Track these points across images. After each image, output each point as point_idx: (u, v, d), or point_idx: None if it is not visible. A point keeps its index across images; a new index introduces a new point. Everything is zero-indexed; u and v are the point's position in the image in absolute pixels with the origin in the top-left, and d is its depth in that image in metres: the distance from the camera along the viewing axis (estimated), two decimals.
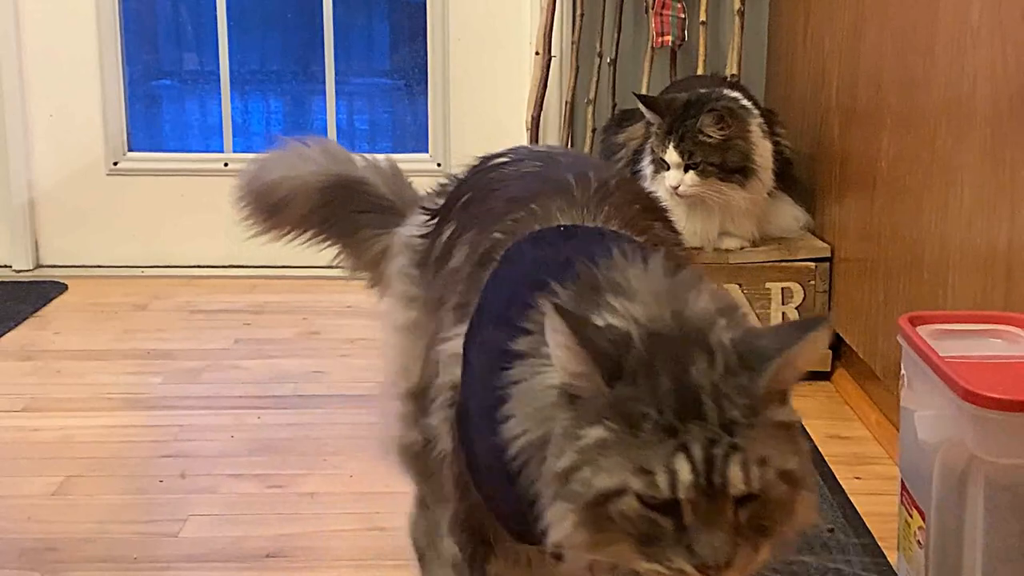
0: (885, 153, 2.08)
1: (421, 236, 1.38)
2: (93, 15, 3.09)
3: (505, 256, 1.13)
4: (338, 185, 1.56)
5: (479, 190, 1.32)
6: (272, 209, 1.61)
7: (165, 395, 2.30)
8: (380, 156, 1.63)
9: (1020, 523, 1.31)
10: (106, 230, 3.19)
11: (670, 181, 2.31)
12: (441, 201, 1.39)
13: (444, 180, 1.46)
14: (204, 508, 1.83)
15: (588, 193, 1.19)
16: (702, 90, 2.37)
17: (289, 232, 1.63)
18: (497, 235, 1.17)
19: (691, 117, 2.30)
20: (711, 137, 2.29)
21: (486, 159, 1.39)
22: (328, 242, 1.61)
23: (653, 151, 2.36)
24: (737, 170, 2.32)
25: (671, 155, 2.30)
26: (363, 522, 1.78)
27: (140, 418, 2.19)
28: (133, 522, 1.78)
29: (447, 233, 1.31)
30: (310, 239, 1.62)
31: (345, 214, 1.56)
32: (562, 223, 1.15)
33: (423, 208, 1.42)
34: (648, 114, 2.37)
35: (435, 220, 1.37)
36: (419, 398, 1.27)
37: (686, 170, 2.31)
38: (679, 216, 2.36)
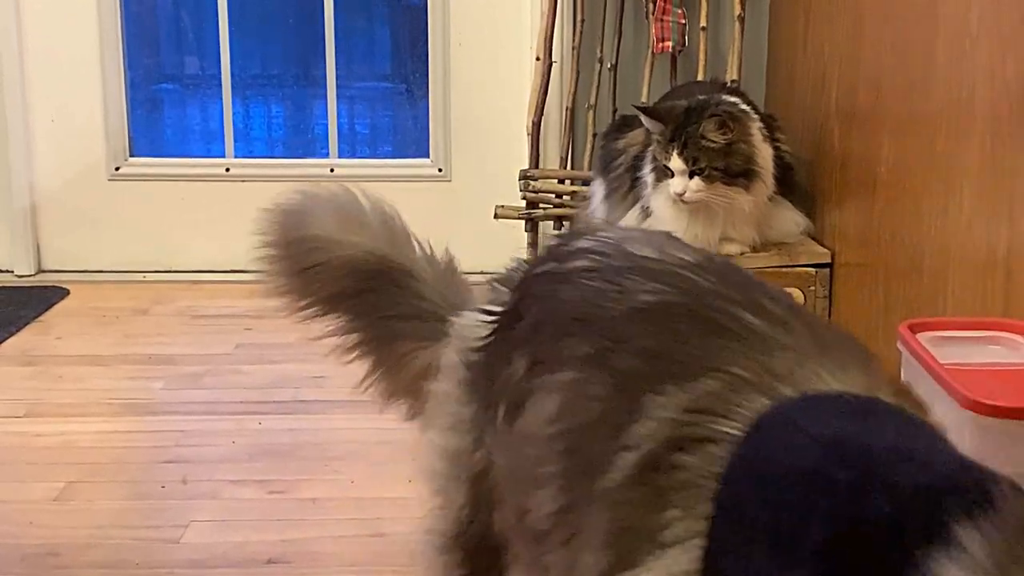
0: (885, 158, 2.08)
1: (479, 349, 1.10)
2: (95, 19, 3.10)
3: (761, 451, 0.76)
4: (382, 272, 1.27)
5: (560, 316, 0.99)
6: (297, 270, 1.30)
7: (166, 400, 2.31)
8: (438, 249, 1.33)
9: None
10: (108, 235, 3.19)
11: (675, 188, 2.31)
12: (506, 297, 1.11)
13: (512, 264, 1.17)
14: (205, 513, 1.83)
15: (806, 338, 0.86)
16: (701, 96, 2.38)
17: (309, 307, 1.32)
18: (688, 417, 0.81)
19: (692, 123, 2.30)
20: (714, 142, 2.29)
21: (556, 256, 1.06)
22: (355, 341, 1.31)
23: (655, 159, 2.36)
24: (741, 174, 2.32)
25: (675, 162, 2.30)
26: (365, 528, 1.79)
27: (141, 423, 2.20)
28: (134, 527, 1.79)
29: (519, 365, 1.00)
30: (335, 331, 1.32)
31: (381, 316, 1.27)
32: (804, 391, 0.80)
33: (484, 310, 1.12)
34: (649, 123, 2.37)
35: (499, 330, 1.08)
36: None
37: (690, 176, 2.31)
38: (680, 222, 2.36)
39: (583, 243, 1.06)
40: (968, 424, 1.28)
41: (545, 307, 1.01)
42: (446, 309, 1.23)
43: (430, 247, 1.32)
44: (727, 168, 2.31)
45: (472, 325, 1.12)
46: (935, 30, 1.85)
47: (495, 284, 1.15)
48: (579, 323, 0.95)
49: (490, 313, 1.10)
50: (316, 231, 1.29)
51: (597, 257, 1.02)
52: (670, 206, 2.36)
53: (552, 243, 1.12)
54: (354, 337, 1.30)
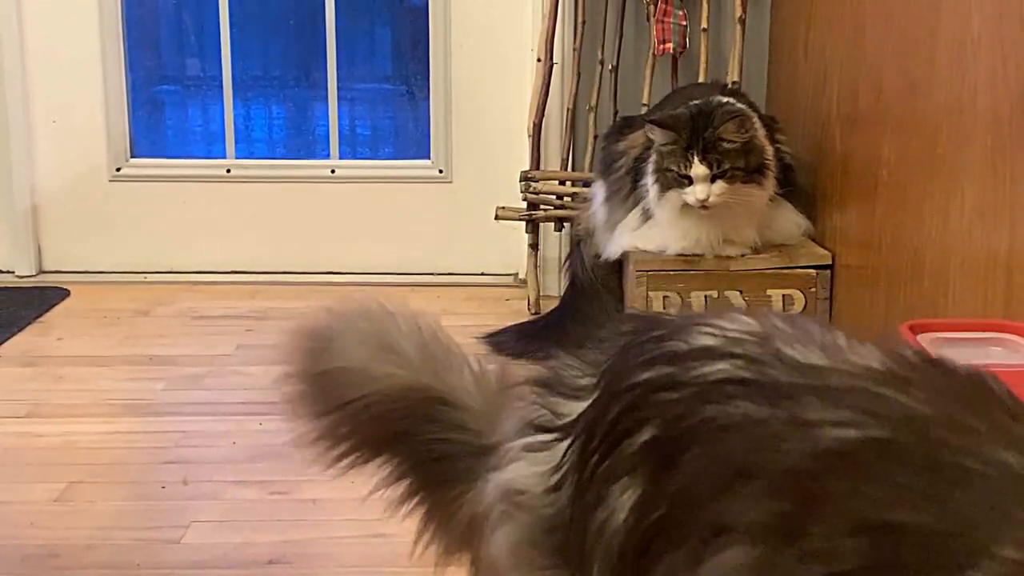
0: (886, 160, 2.08)
1: (546, 490, 0.85)
2: (96, 20, 3.10)
3: None
4: (422, 406, 1.08)
5: (705, 456, 0.71)
6: (327, 410, 1.13)
7: (167, 401, 2.31)
8: (488, 361, 1.12)
9: None
10: (109, 236, 3.19)
11: (698, 195, 2.29)
12: (571, 408, 0.85)
13: (570, 363, 0.91)
14: (206, 514, 1.83)
15: None
16: (696, 101, 2.37)
17: (346, 455, 1.12)
18: None
19: (705, 128, 2.30)
20: (734, 142, 2.29)
21: (667, 354, 0.78)
22: (404, 491, 1.11)
23: (666, 169, 2.33)
24: (756, 169, 2.33)
25: (698, 169, 2.28)
26: (365, 528, 1.78)
27: (142, 424, 2.20)
28: (135, 528, 1.79)
29: (625, 514, 0.74)
30: (383, 481, 1.12)
31: (425, 458, 1.08)
32: None
33: (536, 426, 0.89)
34: (663, 134, 2.34)
35: (584, 450, 0.81)
36: None
37: (712, 180, 2.30)
38: (682, 226, 2.36)
39: (706, 339, 0.78)
40: None
41: (675, 435, 0.73)
42: (492, 438, 0.99)
43: (478, 363, 1.10)
44: (746, 166, 2.31)
45: (528, 463, 0.87)
46: (936, 33, 1.85)
47: (551, 385, 0.90)
48: (741, 473, 0.68)
49: (552, 430, 0.86)
50: (345, 362, 1.12)
51: (742, 364, 0.74)
52: (673, 210, 2.35)
53: (650, 332, 0.82)
54: (402, 486, 1.10)
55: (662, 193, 2.37)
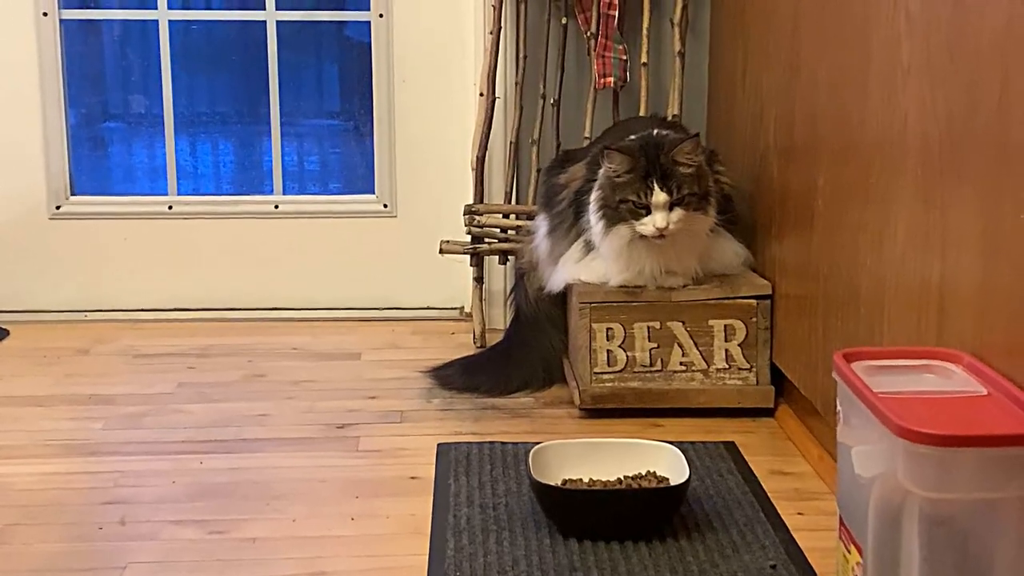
0: (822, 190, 2.11)
1: None
2: (35, 58, 3.08)
3: None
4: None
5: None
6: None
7: (106, 441, 2.28)
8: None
9: (955, 557, 1.32)
10: (48, 274, 3.16)
11: (657, 224, 2.27)
12: None
13: None
14: (144, 555, 1.80)
15: None
16: (632, 137, 2.38)
17: None
18: None
19: (658, 155, 2.30)
20: (690, 166, 2.30)
21: None
22: None
23: (623, 202, 2.31)
24: (703, 196, 2.34)
25: (658, 196, 2.27)
26: (305, 567, 1.77)
27: (80, 464, 2.16)
28: (71, 571, 1.76)
29: None
30: None
31: None
32: None
33: None
34: (621, 161, 2.30)
35: None
36: None
37: (671, 208, 2.30)
38: (625, 257, 2.37)
39: None
40: (901, 452, 1.30)
41: None
42: None
43: None
44: (699, 191, 2.32)
45: None
46: (868, 63, 1.88)
47: None
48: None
49: None
50: None
51: None
52: (621, 243, 2.35)
53: None
54: None
55: (609, 228, 2.35)
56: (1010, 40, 1.42)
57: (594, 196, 2.40)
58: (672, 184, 2.29)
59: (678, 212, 2.30)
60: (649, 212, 2.29)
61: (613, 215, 2.34)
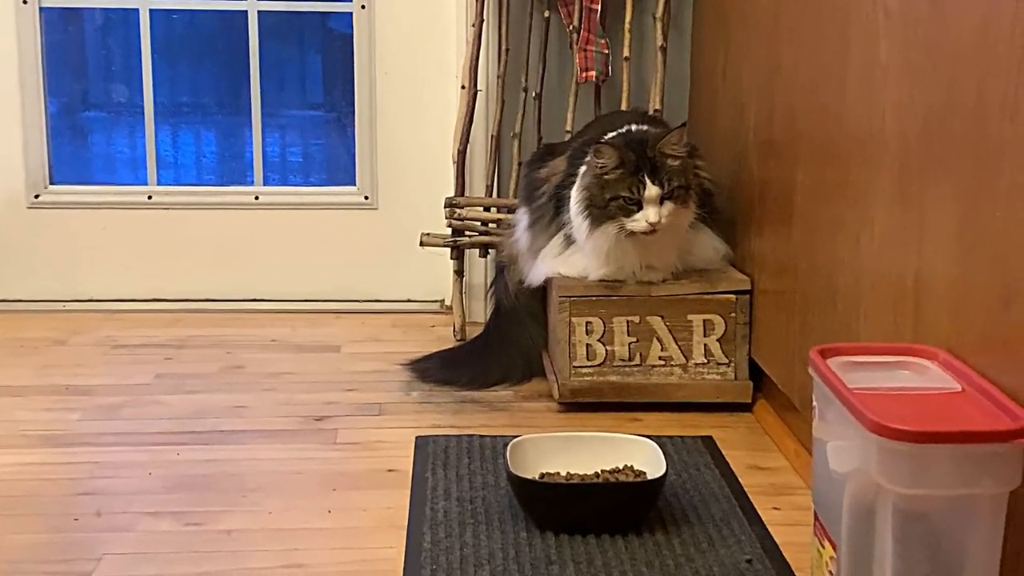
0: (800, 186, 2.11)
1: None
2: (14, 47, 3.06)
3: None
4: None
5: None
6: None
7: (82, 431, 2.27)
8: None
9: (928, 553, 1.33)
10: (26, 264, 3.14)
11: (650, 219, 2.26)
12: None
13: None
14: (119, 547, 1.80)
15: None
16: (612, 133, 2.38)
17: None
18: None
19: (644, 151, 2.29)
20: (678, 157, 2.30)
21: None
22: None
23: (615, 199, 2.29)
24: (687, 189, 2.33)
25: (650, 190, 2.26)
26: (281, 559, 1.76)
27: (56, 455, 2.15)
28: (47, 562, 1.75)
29: None
30: None
31: None
32: None
33: None
34: (613, 156, 2.28)
35: None
36: None
37: (661, 202, 2.29)
38: (604, 252, 2.36)
39: None
40: (875, 448, 1.30)
41: None
42: None
43: None
44: (685, 183, 2.32)
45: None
46: (846, 60, 1.89)
47: None
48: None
49: None
50: None
51: None
52: (607, 241, 2.34)
53: None
54: None
55: (595, 227, 2.32)
56: (987, 39, 1.43)
57: (577, 195, 2.37)
58: (663, 177, 2.28)
59: (668, 206, 2.29)
60: (640, 208, 2.28)
61: (600, 214, 2.32)
